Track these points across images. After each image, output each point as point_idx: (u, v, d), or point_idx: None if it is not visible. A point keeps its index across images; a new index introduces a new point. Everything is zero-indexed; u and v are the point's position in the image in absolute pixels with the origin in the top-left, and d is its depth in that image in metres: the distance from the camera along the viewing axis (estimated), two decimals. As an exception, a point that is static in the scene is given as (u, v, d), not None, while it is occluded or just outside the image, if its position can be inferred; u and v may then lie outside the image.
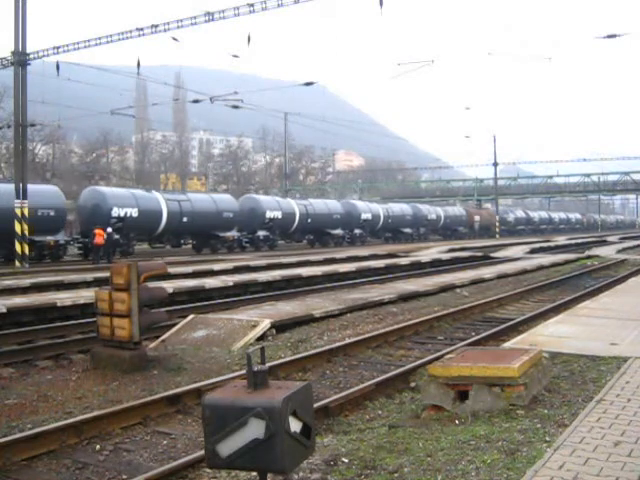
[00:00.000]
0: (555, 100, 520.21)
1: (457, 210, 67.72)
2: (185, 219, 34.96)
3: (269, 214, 41.06)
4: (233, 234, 38.25)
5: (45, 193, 29.53)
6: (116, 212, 31.60)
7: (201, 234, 36.99)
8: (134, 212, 32.43)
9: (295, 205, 43.98)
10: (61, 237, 29.74)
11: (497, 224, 66.81)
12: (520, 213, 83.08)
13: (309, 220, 44.21)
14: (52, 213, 28.73)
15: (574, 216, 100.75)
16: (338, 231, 47.10)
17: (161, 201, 34.20)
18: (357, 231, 49.36)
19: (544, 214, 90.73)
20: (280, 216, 41.68)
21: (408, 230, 56.22)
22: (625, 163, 77.24)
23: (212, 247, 37.42)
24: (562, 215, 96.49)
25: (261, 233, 40.76)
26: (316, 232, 45.98)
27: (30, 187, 26.30)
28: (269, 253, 35.69)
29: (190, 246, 38.85)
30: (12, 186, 25.89)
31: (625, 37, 22.84)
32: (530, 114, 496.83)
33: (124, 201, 32.48)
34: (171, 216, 34.09)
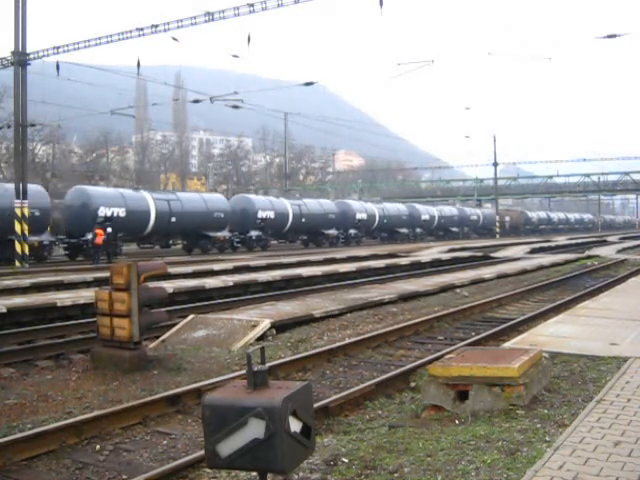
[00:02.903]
0: (555, 100, 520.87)
1: (492, 211, 75.09)
2: (303, 219, 43.96)
3: (359, 215, 49.59)
4: (334, 232, 46.66)
5: (217, 200, 38.82)
6: (261, 214, 40.10)
7: (312, 232, 45.79)
8: (272, 214, 41.01)
9: (376, 209, 53.05)
10: (226, 233, 37.71)
11: (497, 224, 66.93)
12: (542, 214, 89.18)
13: (385, 221, 53.91)
14: (222, 215, 36.96)
15: (587, 216, 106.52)
16: (403, 230, 56.22)
17: (287, 205, 43.15)
18: (418, 230, 59.09)
19: (562, 215, 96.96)
20: (366, 217, 50.65)
21: (455, 229, 65.59)
22: (625, 163, 77.23)
23: (318, 243, 45.85)
24: (577, 216, 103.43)
25: (352, 231, 48.91)
26: (389, 231, 55.59)
27: (206, 195, 39.28)
28: (269, 253, 35.79)
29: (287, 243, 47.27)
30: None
31: (625, 37, 22.84)
32: (530, 114, 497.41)
33: (265, 205, 41.38)
34: (295, 217, 43.15)
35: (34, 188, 30.18)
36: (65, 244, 31.16)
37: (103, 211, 30.40)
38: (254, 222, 39.57)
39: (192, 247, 36.98)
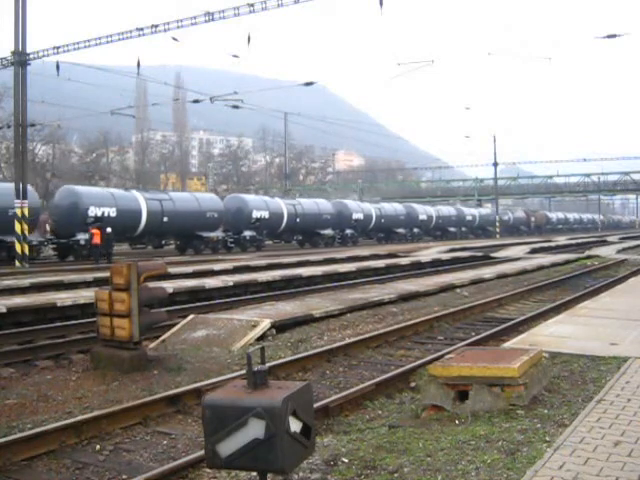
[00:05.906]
0: (555, 100, 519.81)
1: (520, 212, 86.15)
2: (382, 220, 52.93)
3: (421, 217, 57.61)
4: (403, 230, 55.33)
5: (325, 204, 47.99)
6: (355, 216, 49.18)
7: (387, 230, 54.55)
8: (361, 216, 49.94)
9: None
10: (330, 231, 46.58)
11: (497, 223, 67.00)
12: (560, 215, 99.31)
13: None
14: (329, 217, 46.38)
15: (598, 217, 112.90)
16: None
17: (372, 209, 52.15)
18: (463, 229, 66.69)
19: (577, 215, 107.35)
20: (362, 217, 55.48)
21: (491, 228, 71.52)
22: (625, 163, 77.14)
23: (392, 239, 53.74)
24: (589, 216, 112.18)
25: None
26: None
27: (318, 200, 48.53)
28: (270, 253, 35.82)
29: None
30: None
31: (625, 37, 22.94)
32: (530, 114, 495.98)
33: (357, 208, 50.84)
34: (365, 218, 51.08)
35: (212, 196, 40.68)
36: (232, 239, 38.51)
37: (256, 213, 39.89)
38: (349, 222, 48.80)
39: (305, 242, 46.42)
